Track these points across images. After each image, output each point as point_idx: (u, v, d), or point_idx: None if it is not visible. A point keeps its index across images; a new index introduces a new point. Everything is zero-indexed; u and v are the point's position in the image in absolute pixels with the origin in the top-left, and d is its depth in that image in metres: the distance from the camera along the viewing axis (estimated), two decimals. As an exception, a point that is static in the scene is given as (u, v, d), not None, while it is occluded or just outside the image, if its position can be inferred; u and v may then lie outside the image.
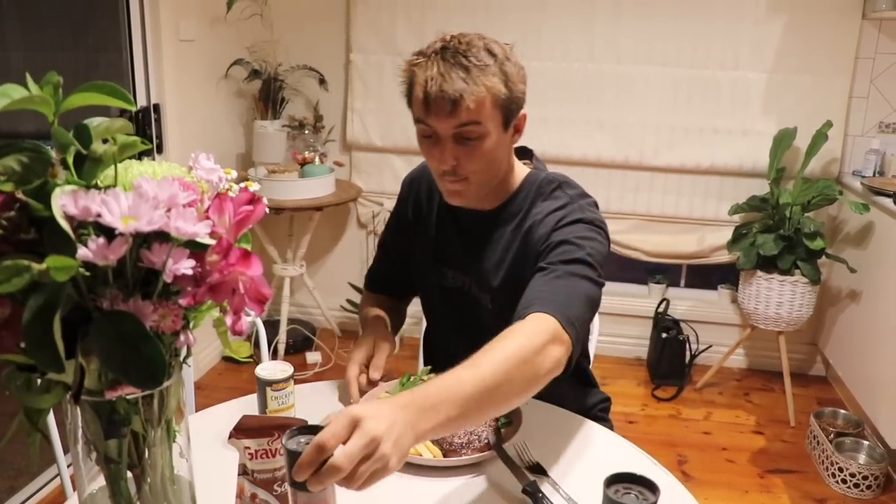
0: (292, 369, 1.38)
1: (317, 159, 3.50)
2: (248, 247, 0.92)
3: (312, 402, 1.51)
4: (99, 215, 0.71)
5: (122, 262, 0.75)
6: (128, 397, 0.82)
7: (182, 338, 0.87)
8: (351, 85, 3.70)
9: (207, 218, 0.82)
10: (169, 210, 0.74)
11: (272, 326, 3.73)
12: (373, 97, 3.69)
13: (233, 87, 3.60)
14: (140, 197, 0.72)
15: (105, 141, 0.82)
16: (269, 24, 3.55)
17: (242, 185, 0.92)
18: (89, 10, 2.86)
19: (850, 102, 3.31)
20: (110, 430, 0.86)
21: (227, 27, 3.44)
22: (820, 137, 3.10)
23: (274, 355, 3.61)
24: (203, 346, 3.53)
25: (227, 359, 3.69)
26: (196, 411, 1.59)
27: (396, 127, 3.69)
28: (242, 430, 1.08)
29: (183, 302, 0.79)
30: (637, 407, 3.36)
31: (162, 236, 0.76)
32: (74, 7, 2.79)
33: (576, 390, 1.70)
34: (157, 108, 3.08)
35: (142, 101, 3.04)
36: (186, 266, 0.76)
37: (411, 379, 1.45)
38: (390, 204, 3.75)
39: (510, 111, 1.37)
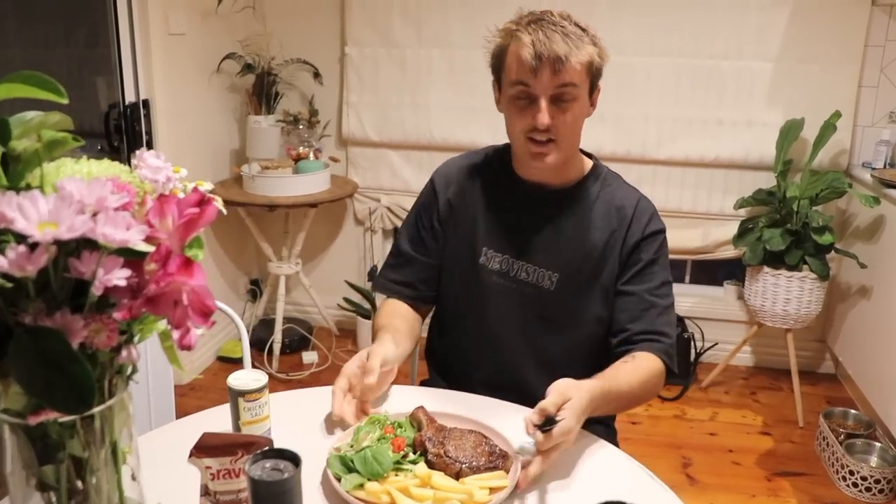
0: (266, 378, 1.30)
1: (311, 155, 3.42)
2: (201, 253, 0.85)
3: (290, 412, 1.43)
4: (13, 221, 0.63)
5: (46, 272, 0.67)
6: (60, 420, 0.75)
7: (125, 353, 0.79)
8: (346, 79, 3.62)
9: (148, 222, 0.74)
10: (96, 214, 0.66)
11: (267, 325, 3.66)
12: (369, 91, 3.61)
13: (225, 81, 3.52)
14: (62, 200, 0.65)
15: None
16: (261, 17, 3.48)
17: (192, 184, 0.84)
18: (76, 5, 2.79)
19: (859, 92, 3.20)
20: (45, 456, 0.78)
21: (218, 20, 3.36)
22: (828, 128, 3.00)
23: (269, 355, 3.54)
24: (198, 346, 3.46)
25: (221, 359, 3.63)
26: (178, 417, 1.52)
27: (393, 121, 3.61)
28: (203, 448, 1.01)
29: (118, 316, 0.71)
30: (640, 407, 3.26)
31: (93, 244, 0.68)
32: (61, 3, 2.71)
33: None
34: (146, 103, 3.01)
35: (130, 97, 2.96)
36: (119, 276, 0.69)
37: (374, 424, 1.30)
38: (388, 200, 3.71)
39: (594, 82, 1.50)
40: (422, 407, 1.31)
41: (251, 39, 3.48)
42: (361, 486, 1.12)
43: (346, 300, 3.80)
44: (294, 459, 0.91)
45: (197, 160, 3.37)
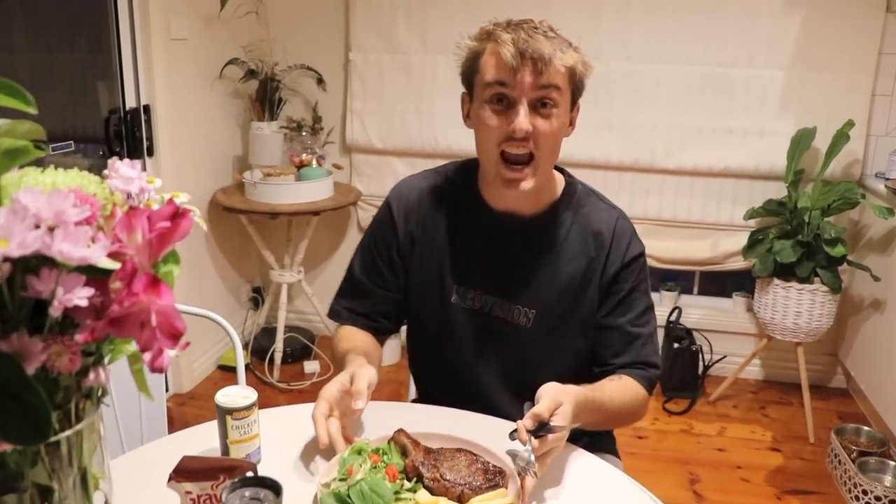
0: (255, 395, 1.25)
1: (314, 162, 3.37)
2: (177, 269, 0.80)
3: (281, 429, 1.38)
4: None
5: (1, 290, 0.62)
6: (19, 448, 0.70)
7: (92, 376, 0.74)
8: (350, 85, 3.58)
9: (116, 237, 0.69)
10: (54, 229, 0.61)
11: (269, 334, 3.61)
12: (373, 97, 3.57)
13: (228, 87, 3.48)
14: (14, 214, 0.59)
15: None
16: (264, 23, 3.44)
17: (167, 196, 0.79)
18: (77, 9, 2.75)
19: (872, 101, 3.14)
20: (5, 484, 0.73)
21: (221, 25, 3.32)
22: (841, 137, 2.94)
23: (270, 364, 3.49)
24: (198, 355, 3.42)
25: (223, 367, 3.58)
26: (174, 428, 1.48)
27: (397, 128, 3.57)
28: (183, 472, 0.96)
29: (80, 338, 0.66)
30: (647, 421, 3.20)
31: (52, 261, 0.63)
32: (61, 7, 2.68)
33: None
34: (147, 109, 2.97)
35: (131, 103, 2.92)
36: (80, 296, 0.64)
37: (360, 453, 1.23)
38: (392, 208, 3.65)
39: (575, 96, 1.39)
40: (401, 430, 1.25)
41: (254, 45, 3.44)
42: None
43: (349, 309, 3.75)
44: (275, 488, 0.86)
45: (199, 166, 3.33)
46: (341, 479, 1.09)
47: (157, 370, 0.73)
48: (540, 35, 1.32)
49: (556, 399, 1.18)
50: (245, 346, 3.68)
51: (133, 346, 0.73)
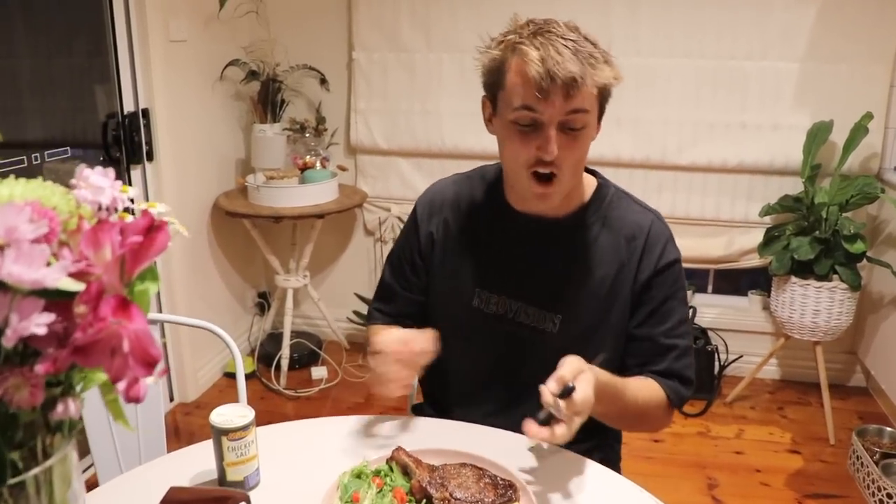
0: (253, 414, 1.18)
1: (318, 164, 3.31)
2: (155, 286, 0.72)
3: (281, 449, 1.31)
4: None
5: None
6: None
7: (61, 408, 0.67)
8: (354, 85, 3.50)
9: (82, 255, 0.62)
10: (3, 249, 0.54)
11: (276, 340, 3.55)
12: (377, 97, 3.50)
13: (229, 89, 3.42)
14: (-42, 233, 0.53)
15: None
16: (265, 22, 3.37)
17: (143, 207, 0.72)
18: (73, 12, 2.69)
19: (891, 92, 3.04)
20: (-32, 530, 0.67)
21: (220, 26, 3.26)
22: (859, 130, 2.85)
23: (277, 370, 3.43)
24: (203, 363, 3.36)
25: (229, 375, 3.52)
26: (178, 440, 1.41)
27: (403, 128, 3.49)
28: (171, 504, 0.89)
29: (40, 369, 0.59)
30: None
31: (3, 284, 0.56)
32: (57, 9, 2.61)
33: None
34: (146, 112, 2.91)
35: (129, 106, 2.86)
36: (38, 323, 0.57)
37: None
38: (398, 209, 3.58)
39: (604, 106, 1.31)
40: (400, 448, 1.19)
41: (255, 45, 3.37)
42: None
43: (356, 313, 3.69)
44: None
45: (200, 171, 3.27)
46: (347, 510, 1.02)
47: (132, 400, 0.66)
48: (569, 51, 1.21)
49: (579, 367, 1.13)
50: (251, 353, 3.62)
51: (105, 375, 0.67)
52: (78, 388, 0.69)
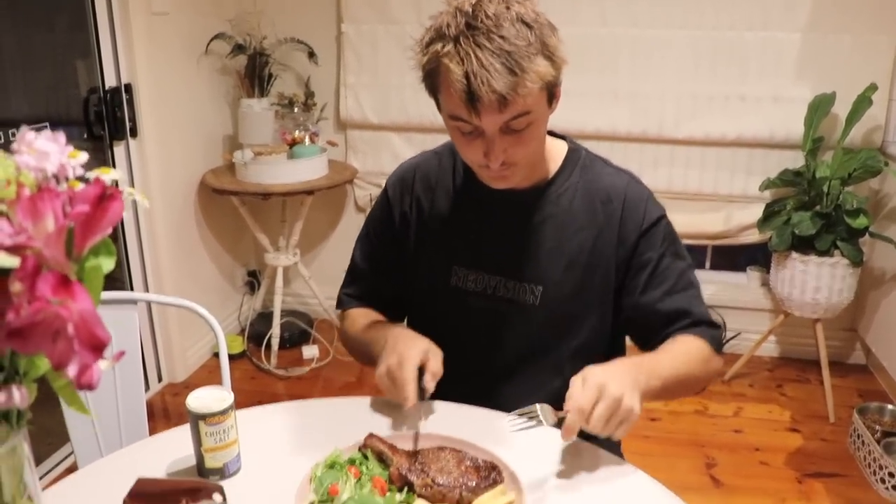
0: (232, 398, 1.12)
1: (307, 139, 3.22)
2: (110, 262, 0.66)
3: (263, 432, 1.25)
4: None
5: None
6: None
7: (3, 397, 0.61)
8: (343, 58, 3.42)
9: (20, 227, 0.55)
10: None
11: (265, 319, 3.49)
12: (367, 71, 3.41)
13: (215, 63, 3.32)
14: None
15: None
16: (251, -6, 3.27)
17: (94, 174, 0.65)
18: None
19: (895, 63, 2.97)
20: None
21: (205, -2, 3.17)
22: (863, 102, 2.77)
23: (268, 350, 3.37)
24: (192, 342, 3.29)
25: (218, 355, 3.45)
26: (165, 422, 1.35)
27: (394, 103, 3.41)
28: (139, 497, 0.82)
29: (-29, 355, 0.53)
30: (659, 402, 3.08)
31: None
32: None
33: None
34: (128, 88, 2.82)
35: (111, 82, 2.77)
36: (-35, 302, 0.50)
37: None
38: (390, 186, 3.50)
39: (554, 86, 1.21)
40: (372, 434, 1.13)
41: (241, 18, 3.28)
42: None
43: (348, 292, 3.62)
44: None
45: (186, 147, 3.18)
46: (323, 502, 0.96)
47: (85, 387, 0.59)
48: (497, 59, 1.09)
49: (597, 384, 1.07)
50: (241, 332, 3.56)
51: (48, 362, 0.60)
52: (21, 376, 0.62)
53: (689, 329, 1.32)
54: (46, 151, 0.63)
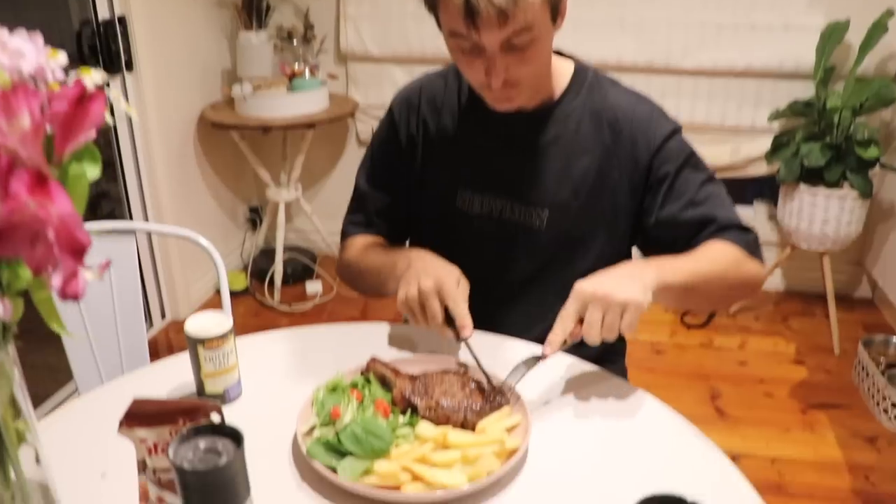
0: (231, 322, 1.10)
1: (307, 72, 3.15)
2: (96, 169, 0.63)
3: (264, 358, 1.24)
4: None
5: None
6: None
7: (-16, 309, 0.58)
8: (343, -12, 3.33)
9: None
10: None
11: (268, 256, 3.47)
12: (368, 1, 3.32)
13: (212, -6, 3.24)
14: None
15: None
16: (247, -80, 3.17)
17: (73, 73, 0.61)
18: None
19: (911, -12, 2.88)
20: None
21: (200, -76, 3.07)
22: (878, 29, 2.68)
23: (271, 286, 3.36)
24: (195, 278, 3.28)
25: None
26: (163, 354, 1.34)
27: (395, 34, 3.33)
28: (135, 417, 0.81)
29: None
30: (665, 335, 3.07)
31: None
32: None
33: None
34: (122, 20, 2.74)
35: (104, 14, 2.70)
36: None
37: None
38: (392, 120, 3.44)
39: (558, 1, 1.16)
40: (374, 358, 1.12)
41: (237, -55, 3.19)
42: (367, 471, 0.91)
43: (351, 228, 3.60)
44: (235, 437, 0.71)
45: (184, 82, 3.12)
46: (324, 425, 0.94)
47: (70, 297, 0.57)
48: None
49: (578, 292, 1.07)
50: (244, 269, 3.55)
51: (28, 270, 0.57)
52: (7, 287, 0.60)
53: (716, 234, 1.27)
54: (22, 51, 0.59)
